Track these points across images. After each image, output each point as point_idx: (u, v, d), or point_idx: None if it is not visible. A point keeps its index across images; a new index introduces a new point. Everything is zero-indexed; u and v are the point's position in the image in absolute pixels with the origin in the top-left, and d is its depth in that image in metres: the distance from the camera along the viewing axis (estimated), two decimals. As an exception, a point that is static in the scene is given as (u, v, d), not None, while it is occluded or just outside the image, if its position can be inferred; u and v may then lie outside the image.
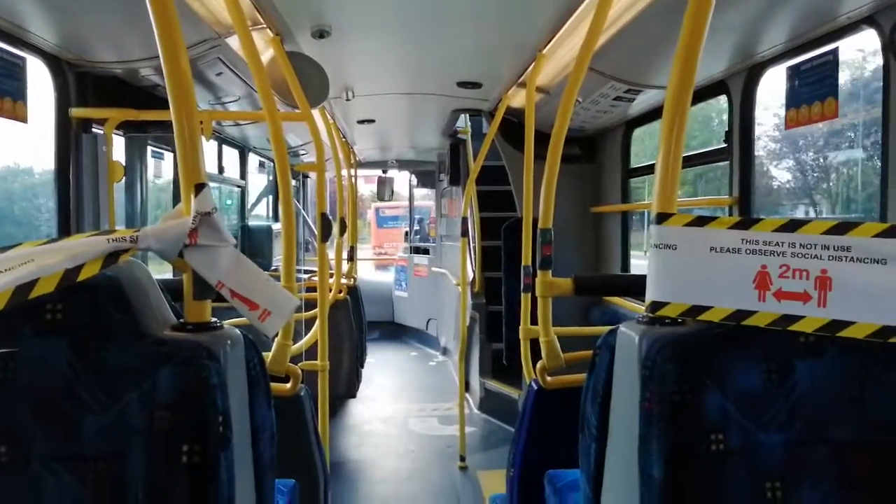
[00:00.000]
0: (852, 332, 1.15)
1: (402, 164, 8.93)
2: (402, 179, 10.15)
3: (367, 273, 10.29)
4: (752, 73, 2.87)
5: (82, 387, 1.11)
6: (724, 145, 3.11)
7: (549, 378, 2.34)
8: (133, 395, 1.11)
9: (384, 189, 9.38)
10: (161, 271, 3.44)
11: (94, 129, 2.92)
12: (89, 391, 1.11)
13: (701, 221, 1.25)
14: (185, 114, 1.25)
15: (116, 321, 1.14)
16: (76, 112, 2.77)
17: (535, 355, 2.44)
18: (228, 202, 6.00)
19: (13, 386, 1.10)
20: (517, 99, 4.02)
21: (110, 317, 1.14)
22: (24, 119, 2.42)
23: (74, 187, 2.82)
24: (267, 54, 2.86)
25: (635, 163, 4.44)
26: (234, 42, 2.78)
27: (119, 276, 1.17)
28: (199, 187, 1.24)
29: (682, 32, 1.30)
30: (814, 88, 2.34)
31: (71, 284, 1.09)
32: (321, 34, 2.84)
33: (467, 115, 5.55)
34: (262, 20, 2.63)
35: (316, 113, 3.58)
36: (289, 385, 2.24)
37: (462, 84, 3.98)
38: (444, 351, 7.93)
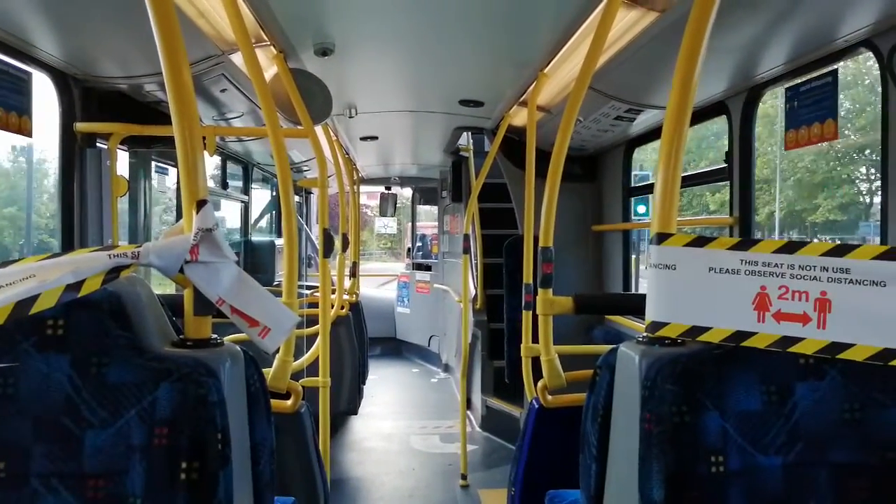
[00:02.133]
0: (852, 354, 1.15)
1: (404, 181, 8.96)
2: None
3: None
4: (752, 94, 2.89)
5: (83, 403, 1.11)
6: (725, 165, 3.12)
7: (550, 397, 2.34)
8: (133, 412, 1.11)
9: (387, 205, 9.40)
10: (164, 287, 3.45)
11: (98, 144, 2.94)
12: (90, 407, 1.11)
13: (700, 242, 1.25)
14: (188, 130, 1.26)
15: (117, 337, 1.14)
16: (81, 127, 2.79)
17: (537, 373, 2.43)
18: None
19: (14, 401, 1.10)
20: (519, 117, 4.05)
21: (111, 333, 1.14)
22: (28, 133, 2.44)
23: (78, 201, 2.83)
24: (270, 71, 2.89)
25: (640, 181, 4.46)
26: (237, 59, 2.81)
27: (120, 291, 1.17)
28: (201, 203, 1.24)
29: (680, 53, 1.31)
30: (813, 110, 2.36)
31: (72, 300, 1.09)
32: (324, 52, 2.87)
33: (469, 133, 5.58)
34: (265, 37, 2.66)
35: (319, 129, 3.61)
36: (290, 402, 2.24)
37: (464, 102, 4.01)
38: (446, 368, 7.90)
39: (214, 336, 1.31)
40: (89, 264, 1.12)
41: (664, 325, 1.25)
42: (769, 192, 22.93)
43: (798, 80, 2.49)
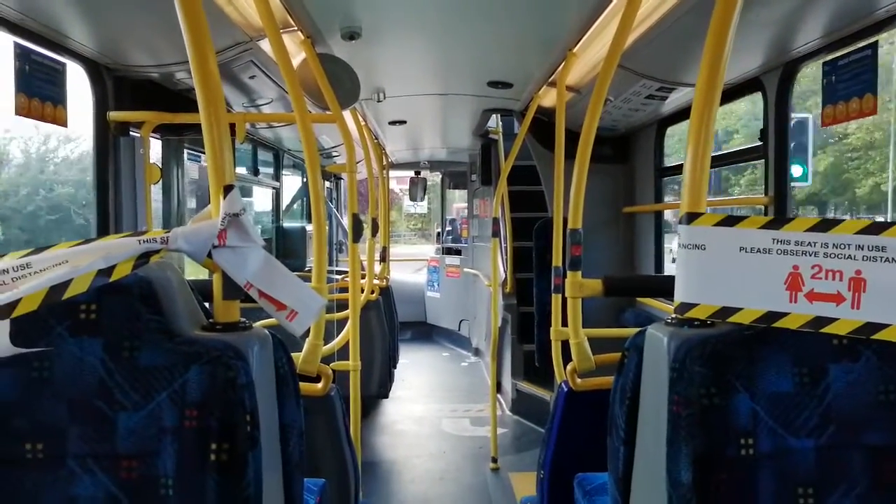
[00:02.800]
0: (887, 334, 1.12)
1: (433, 165, 8.94)
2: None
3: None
4: (788, 70, 2.81)
5: (116, 386, 1.14)
6: (760, 143, 3.04)
7: (579, 380, 2.32)
8: (164, 395, 1.14)
9: (416, 190, 9.41)
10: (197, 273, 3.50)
11: (131, 133, 2.99)
12: (122, 390, 1.14)
13: (730, 221, 1.23)
14: (214, 116, 1.27)
15: (148, 321, 1.16)
16: (114, 115, 2.84)
17: (567, 357, 2.42)
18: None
19: (49, 384, 1.13)
20: (548, 98, 4.00)
21: (142, 317, 1.16)
22: (63, 123, 2.48)
23: (113, 189, 2.89)
24: (298, 57, 2.90)
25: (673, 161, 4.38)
26: (266, 45, 2.82)
27: (150, 276, 1.19)
28: (228, 189, 1.26)
29: (710, 30, 1.28)
30: (851, 84, 2.28)
31: (104, 285, 1.12)
32: (351, 36, 2.86)
33: (498, 116, 5.54)
34: (292, 23, 2.66)
35: (347, 114, 3.61)
36: (320, 385, 2.26)
37: (493, 84, 3.98)
38: (477, 352, 7.92)
39: (243, 320, 1.33)
40: (120, 250, 1.14)
41: (693, 306, 1.23)
42: (875, 160, 19.28)
43: (836, 54, 2.41)
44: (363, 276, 4.44)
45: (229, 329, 1.28)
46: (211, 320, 1.31)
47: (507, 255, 5.74)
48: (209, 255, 1.24)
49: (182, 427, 1.12)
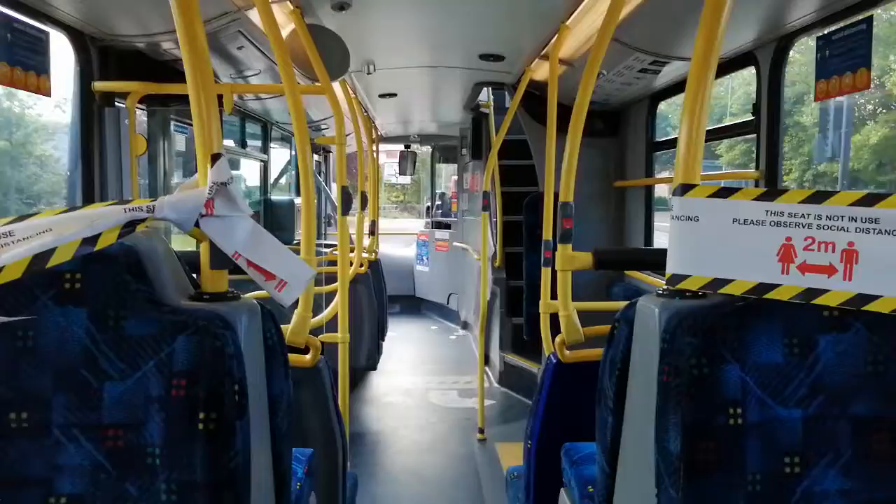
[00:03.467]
0: (878, 305, 1.13)
1: (424, 139, 8.89)
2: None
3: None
4: (782, 44, 2.79)
5: (101, 355, 1.12)
6: (752, 118, 3.04)
7: (567, 352, 2.34)
8: (151, 364, 1.12)
9: (406, 163, 9.36)
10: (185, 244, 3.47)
11: (116, 103, 2.94)
12: (108, 359, 1.12)
13: (724, 193, 1.22)
14: (202, 85, 1.25)
15: (134, 290, 1.15)
16: (99, 86, 2.79)
17: (555, 330, 2.43)
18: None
19: (34, 353, 1.11)
20: (540, 72, 3.97)
21: (128, 286, 1.15)
22: (47, 93, 2.44)
23: (98, 161, 2.84)
24: (288, 27, 2.85)
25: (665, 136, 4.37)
26: (254, 15, 2.77)
27: (137, 245, 1.18)
28: (215, 157, 1.24)
29: (706, 2, 1.27)
30: (845, 59, 2.27)
31: (88, 254, 1.10)
32: (341, 6, 2.82)
33: (490, 89, 5.50)
34: None
35: (337, 87, 3.57)
36: (308, 356, 2.26)
37: (484, 57, 3.93)
38: (465, 325, 7.96)
39: (231, 290, 1.31)
40: (105, 218, 1.12)
41: (685, 277, 1.23)
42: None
43: (831, 28, 2.40)
44: (352, 250, 4.42)
45: (217, 299, 1.27)
46: (198, 290, 1.30)
47: (496, 229, 5.74)
48: (196, 224, 1.22)
49: (169, 396, 1.11)
